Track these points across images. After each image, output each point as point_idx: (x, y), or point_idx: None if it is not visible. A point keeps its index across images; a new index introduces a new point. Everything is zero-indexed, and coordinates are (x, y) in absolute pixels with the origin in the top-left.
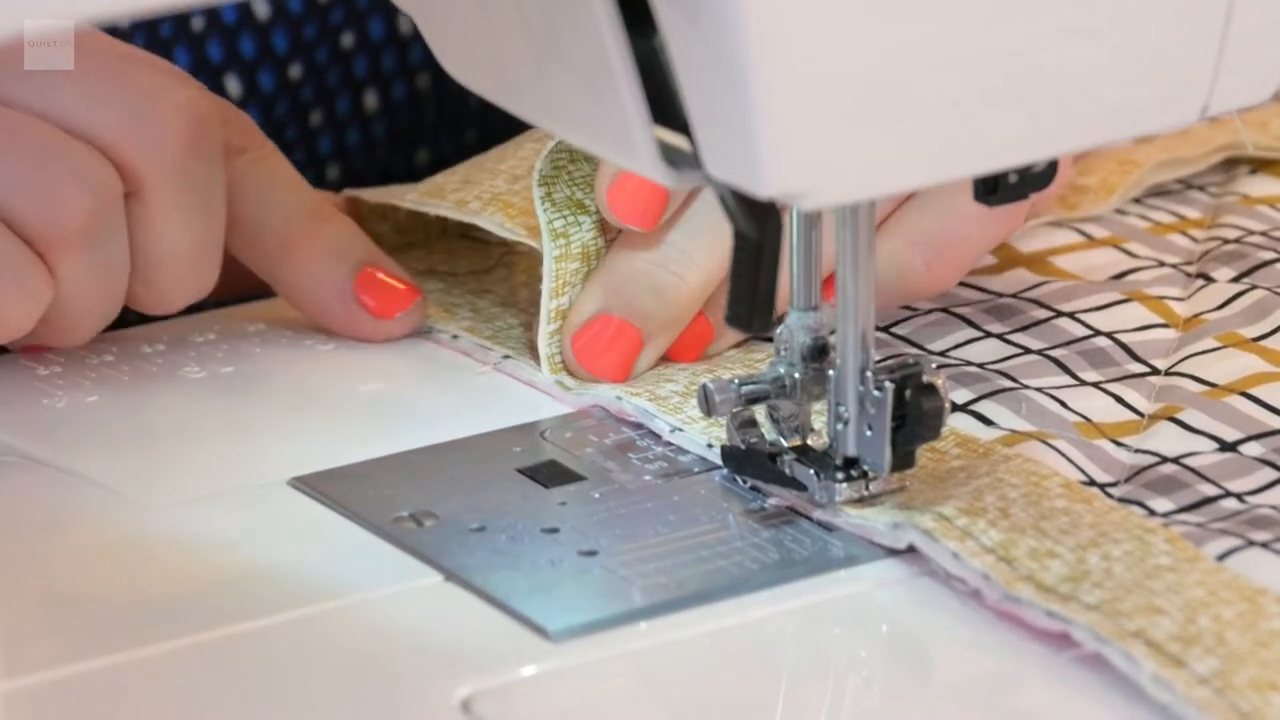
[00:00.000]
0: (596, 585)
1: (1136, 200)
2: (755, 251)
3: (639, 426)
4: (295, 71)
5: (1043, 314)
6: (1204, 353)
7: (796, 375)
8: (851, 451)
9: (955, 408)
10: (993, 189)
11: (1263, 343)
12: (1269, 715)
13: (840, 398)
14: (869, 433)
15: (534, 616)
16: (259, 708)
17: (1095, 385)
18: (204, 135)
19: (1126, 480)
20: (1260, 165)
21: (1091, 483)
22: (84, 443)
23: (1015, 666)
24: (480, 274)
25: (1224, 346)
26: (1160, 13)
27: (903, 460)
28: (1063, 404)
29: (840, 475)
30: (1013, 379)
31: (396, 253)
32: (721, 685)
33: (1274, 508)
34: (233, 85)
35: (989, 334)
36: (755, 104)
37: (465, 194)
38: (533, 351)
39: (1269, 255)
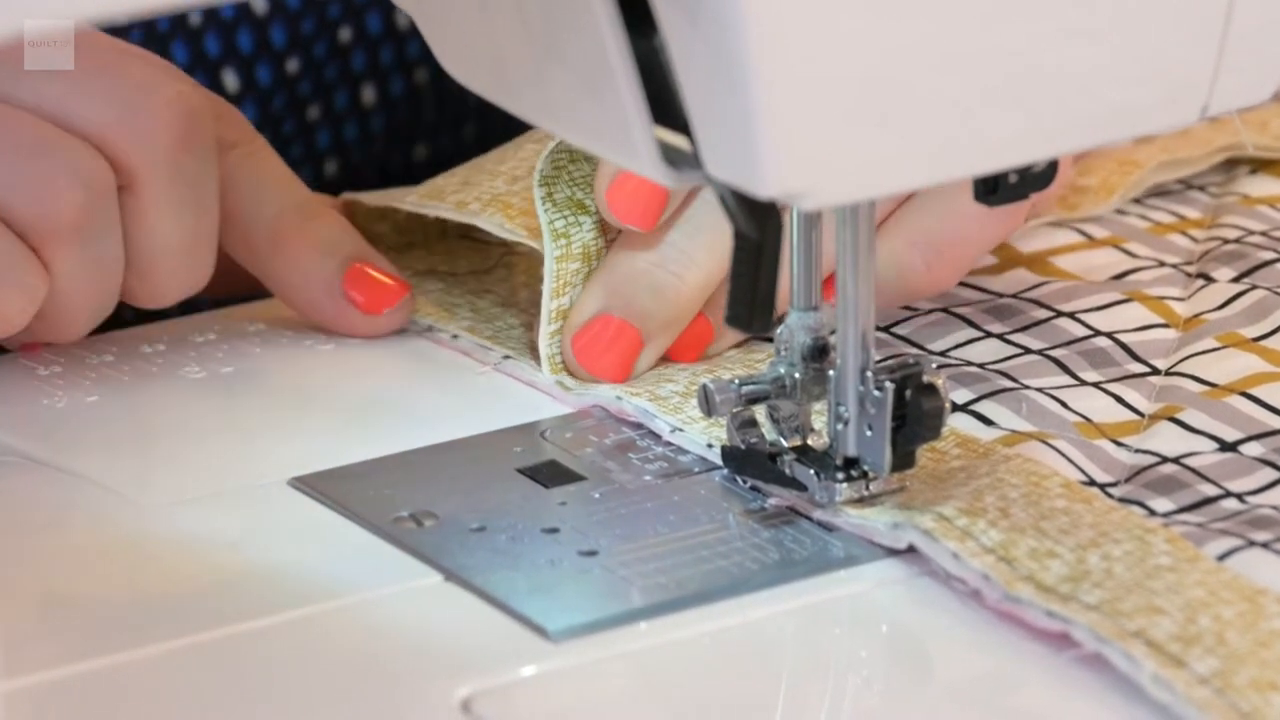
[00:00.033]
0: (596, 585)
1: (1137, 200)
2: (755, 251)
3: (639, 426)
4: (293, 66)
5: (1043, 314)
6: (1204, 353)
7: (797, 375)
8: (852, 451)
9: (955, 408)
10: (993, 189)
11: (1263, 343)
12: (1269, 715)
13: (840, 398)
14: (869, 433)
15: (534, 616)
16: (259, 708)
17: (1095, 385)
18: (196, 129)
19: (1127, 480)
20: (1260, 165)
21: (1092, 483)
22: (84, 443)
23: (1015, 666)
24: (480, 274)
25: (1224, 346)
26: (1160, 13)
27: (903, 460)
28: (1063, 404)
29: (840, 475)
30: (1013, 379)
31: (396, 253)
32: (721, 685)
33: (1274, 508)
34: (230, 79)
35: (989, 334)
36: (755, 104)
37: (465, 195)
38: (533, 352)
39: (1269, 255)
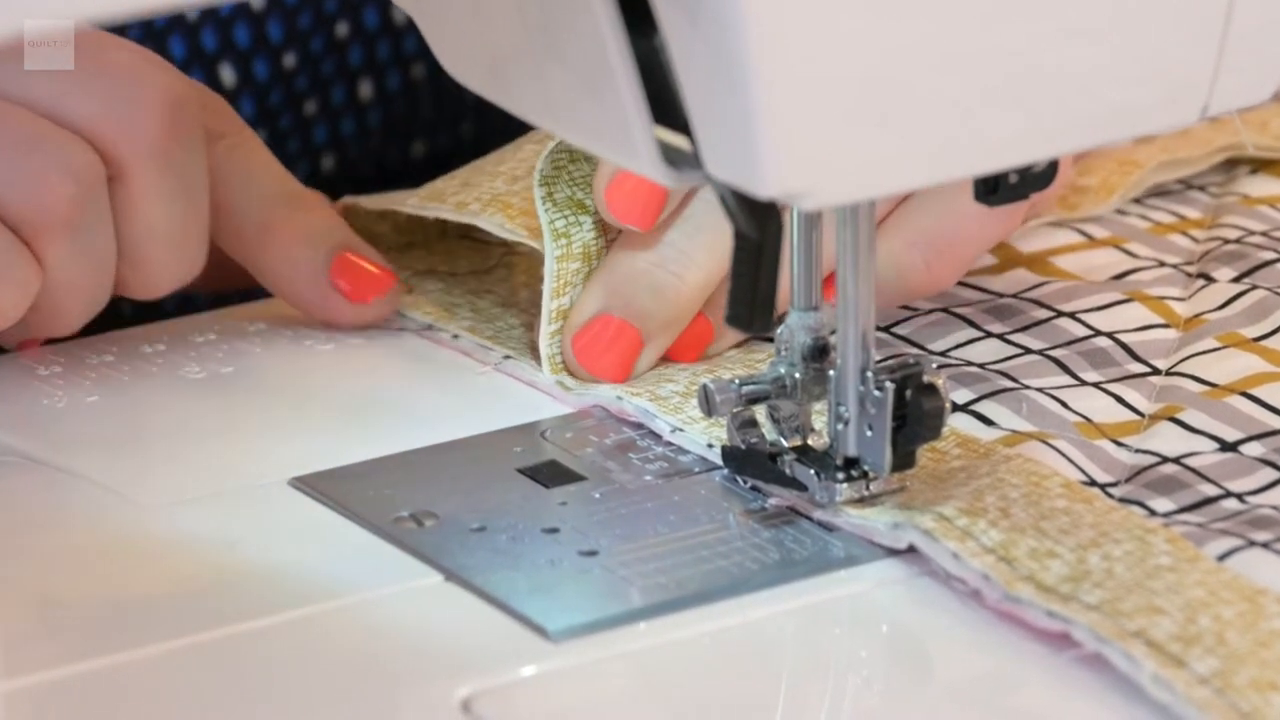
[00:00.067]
0: (596, 585)
1: (1137, 200)
2: (755, 251)
3: (639, 426)
4: (290, 60)
5: (1043, 314)
6: (1205, 353)
7: (797, 375)
8: (852, 451)
9: (956, 408)
10: (993, 189)
11: (1263, 343)
12: (1269, 715)
13: (841, 398)
14: (869, 433)
15: (534, 616)
16: (259, 708)
17: (1096, 385)
18: (184, 119)
19: (1127, 480)
20: (1260, 165)
21: (1092, 483)
22: (84, 442)
23: (1015, 666)
24: (480, 274)
25: (1225, 346)
26: (1160, 13)
27: (903, 460)
28: (1063, 404)
29: (840, 475)
30: (1013, 379)
31: (396, 253)
32: (721, 685)
33: (1274, 508)
34: (227, 74)
35: (989, 334)
36: (755, 104)
37: (465, 196)
38: (533, 352)
39: (1269, 255)
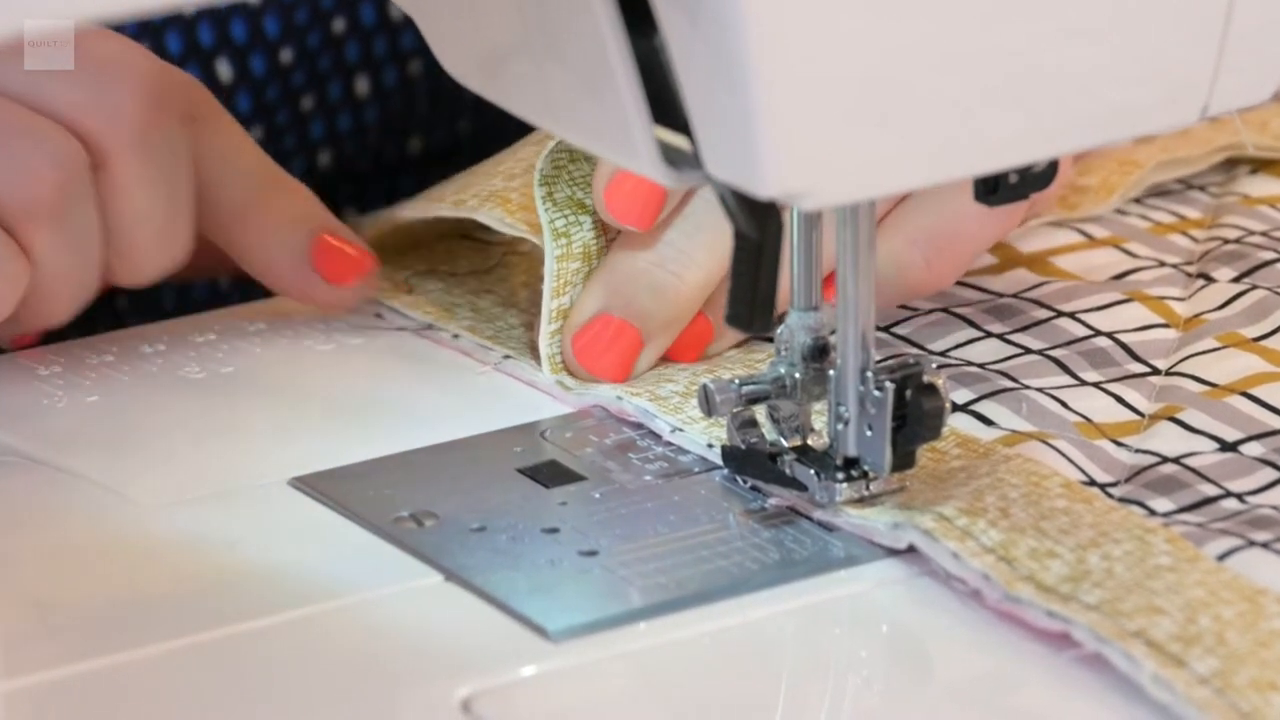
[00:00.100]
0: (596, 585)
1: (1137, 200)
2: (755, 251)
3: (639, 426)
4: (286, 56)
5: (1043, 314)
6: (1204, 353)
7: (797, 375)
8: (852, 451)
9: (955, 408)
10: (993, 189)
11: (1263, 343)
12: (1269, 715)
13: (840, 398)
14: (869, 433)
15: (534, 616)
16: (259, 708)
17: (1096, 385)
18: (164, 103)
19: (1127, 480)
20: (1260, 165)
21: (1092, 483)
22: (84, 443)
23: (1015, 666)
24: (480, 274)
25: (1224, 346)
26: (1160, 13)
27: (903, 460)
28: (1063, 404)
29: (840, 475)
30: (1013, 379)
31: (396, 253)
32: (721, 685)
33: (1274, 508)
34: (224, 69)
35: (989, 334)
36: (755, 104)
37: (463, 194)
38: (533, 351)
39: (1269, 255)
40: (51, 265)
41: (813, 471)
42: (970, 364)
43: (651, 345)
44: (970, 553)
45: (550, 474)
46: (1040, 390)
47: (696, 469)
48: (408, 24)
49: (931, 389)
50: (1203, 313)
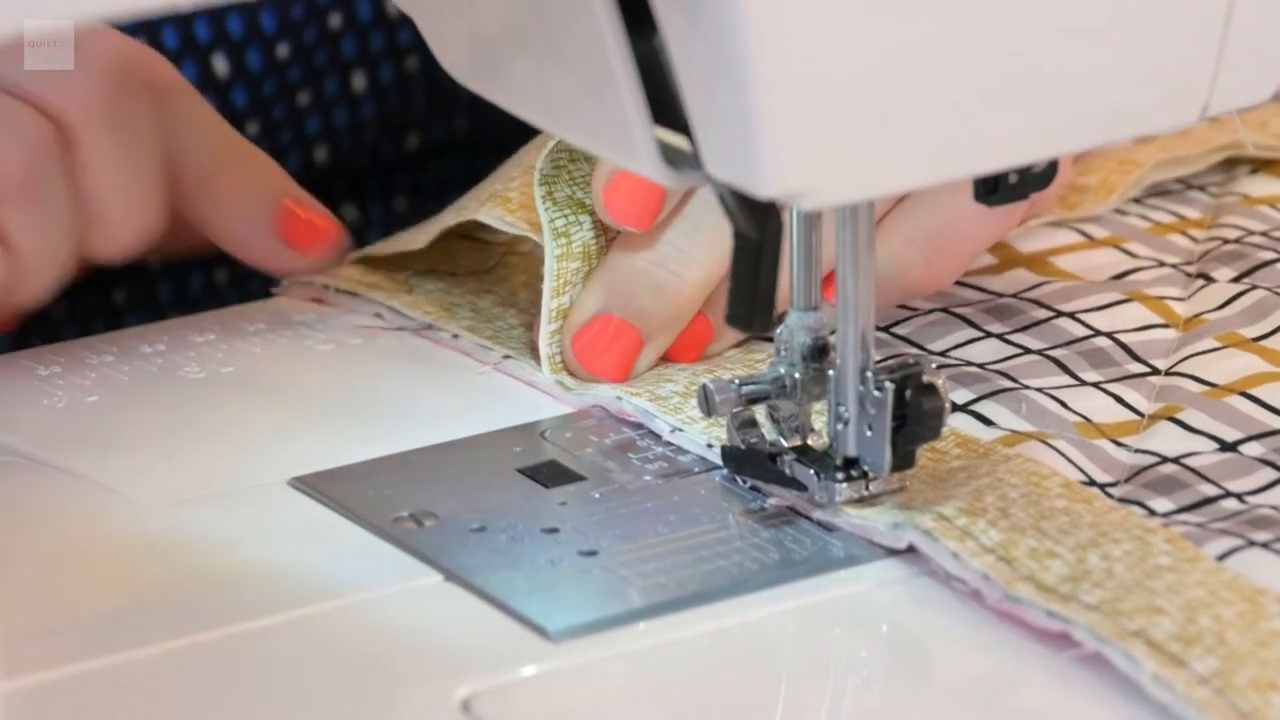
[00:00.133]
0: (596, 585)
1: (1136, 200)
2: (755, 251)
3: (639, 426)
4: (283, 51)
5: (1043, 314)
6: (1204, 353)
7: (796, 375)
8: (852, 451)
9: (955, 408)
10: (993, 189)
11: (1263, 343)
12: (1269, 715)
13: (840, 398)
14: (869, 433)
15: (534, 616)
16: (259, 708)
17: (1095, 385)
18: (129, 78)
19: (1126, 480)
20: (1260, 165)
21: (1091, 483)
22: (84, 443)
23: (1015, 666)
24: (480, 274)
25: (1224, 346)
26: (1160, 13)
27: (903, 460)
28: (1063, 404)
29: (840, 475)
30: (1013, 379)
31: (398, 254)
32: (721, 685)
33: (1274, 508)
34: (220, 64)
35: (989, 334)
36: (755, 104)
37: (464, 201)
38: (533, 351)
39: (1269, 255)
40: (25, 244)
41: (812, 471)
42: (970, 364)
43: (651, 345)
44: (970, 553)
45: (550, 474)
46: (1040, 390)
47: (696, 469)
48: (405, 20)
49: (931, 389)
50: (1202, 313)
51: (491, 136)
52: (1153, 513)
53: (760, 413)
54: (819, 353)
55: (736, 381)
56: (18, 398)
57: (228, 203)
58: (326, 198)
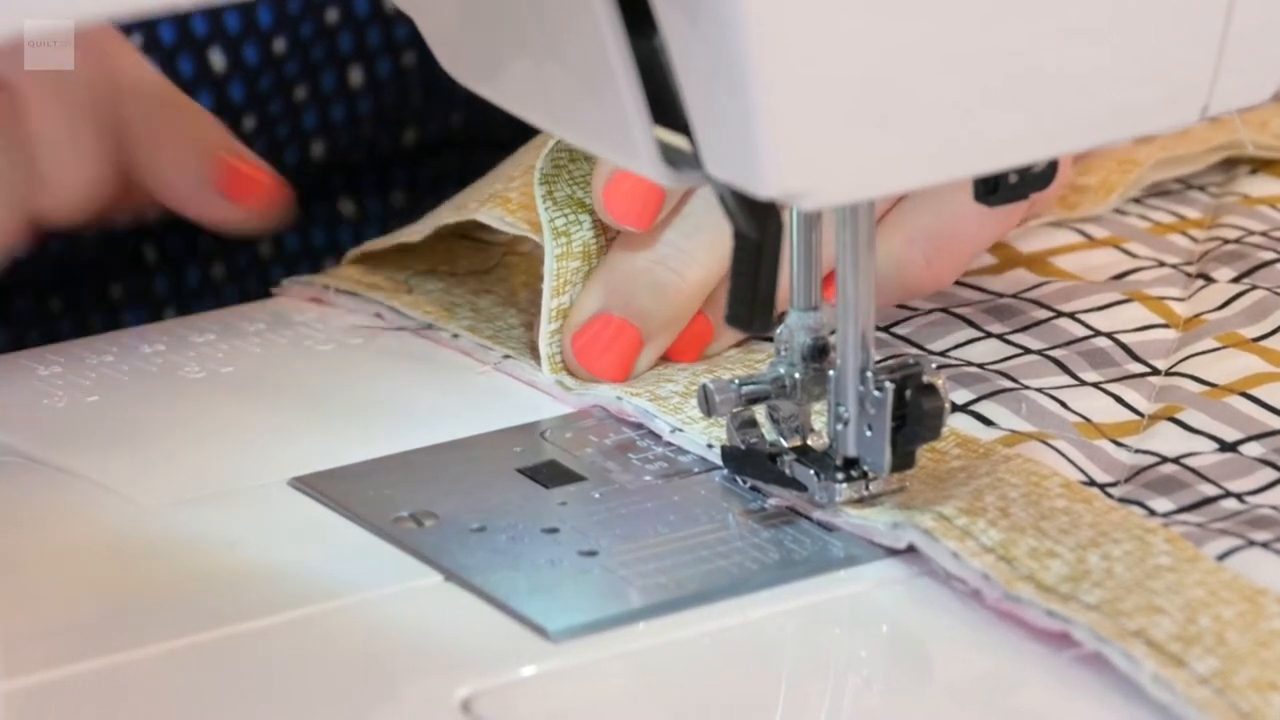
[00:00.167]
0: (596, 585)
1: (1136, 200)
2: (755, 251)
3: (639, 426)
4: (280, 46)
5: (1043, 314)
6: (1204, 353)
7: (796, 375)
8: (851, 451)
9: (955, 408)
10: (993, 189)
11: (1263, 343)
12: (1269, 715)
13: (840, 398)
14: (869, 433)
15: (534, 616)
16: (259, 708)
17: (1095, 385)
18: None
19: (1126, 480)
20: (1260, 165)
21: (1091, 483)
22: (84, 443)
23: (1015, 666)
24: (480, 274)
25: (1224, 347)
26: (1160, 13)
27: (903, 460)
28: (1063, 404)
29: (840, 475)
30: (1013, 379)
31: (397, 254)
32: (721, 685)
33: (1274, 508)
34: (216, 58)
35: (989, 334)
36: (755, 104)
37: (463, 199)
38: (533, 351)
39: (1269, 255)
40: None
41: (812, 471)
42: (970, 364)
43: (651, 345)
44: (970, 552)
45: (550, 474)
46: (1040, 390)
47: (696, 469)
48: (402, 15)
49: (931, 389)
50: (1202, 313)
51: (488, 132)
52: (1153, 513)
53: (760, 413)
54: (819, 353)
55: (736, 381)
56: (17, 398)
57: (167, 156)
58: (323, 193)
